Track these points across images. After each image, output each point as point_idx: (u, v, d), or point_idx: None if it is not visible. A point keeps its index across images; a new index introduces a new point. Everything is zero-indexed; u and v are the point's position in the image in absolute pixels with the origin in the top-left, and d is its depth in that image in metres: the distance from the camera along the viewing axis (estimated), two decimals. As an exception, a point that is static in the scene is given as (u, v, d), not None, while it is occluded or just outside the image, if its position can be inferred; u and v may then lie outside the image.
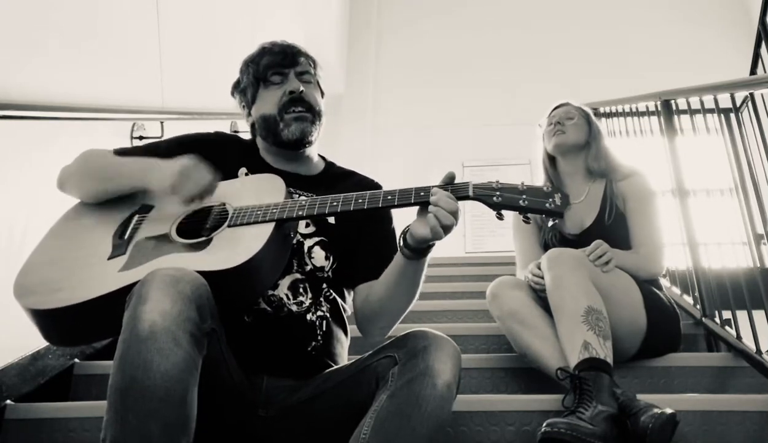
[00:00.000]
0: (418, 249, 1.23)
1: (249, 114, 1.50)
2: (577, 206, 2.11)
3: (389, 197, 1.21)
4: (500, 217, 1.18)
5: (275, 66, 1.45)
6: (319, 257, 1.38)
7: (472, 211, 5.98)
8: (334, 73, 5.82)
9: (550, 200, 1.15)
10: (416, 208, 1.21)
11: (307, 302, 1.35)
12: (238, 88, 1.53)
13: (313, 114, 1.44)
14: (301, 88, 1.43)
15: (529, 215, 1.18)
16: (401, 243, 1.25)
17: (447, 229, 1.16)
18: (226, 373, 1.21)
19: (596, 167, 2.13)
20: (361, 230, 1.43)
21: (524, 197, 1.16)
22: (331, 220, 1.43)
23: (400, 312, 1.37)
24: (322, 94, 1.52)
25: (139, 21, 2.51)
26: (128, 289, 1.09)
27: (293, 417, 1.26)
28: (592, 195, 2.11)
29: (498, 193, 1.17)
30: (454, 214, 1.15)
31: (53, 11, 1.90)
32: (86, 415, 1.54)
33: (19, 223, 1.72)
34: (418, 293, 1.34)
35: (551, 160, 2.23)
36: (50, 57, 1.89)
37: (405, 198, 1.20)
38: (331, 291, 1.40)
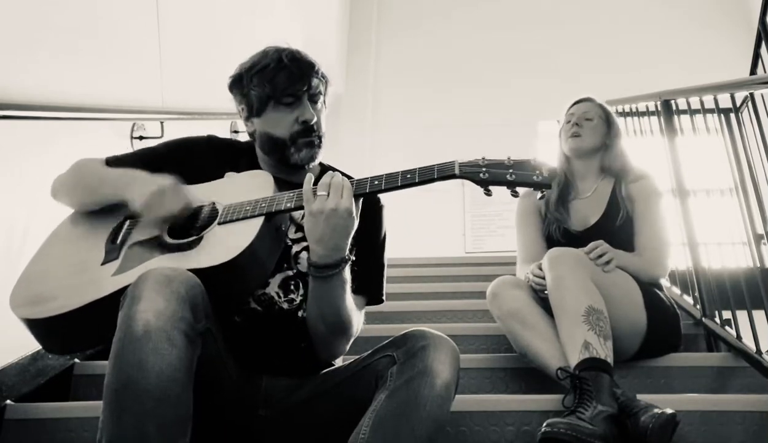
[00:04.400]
0: (313, 264, 1.19)
1: (248, 119, 1.43)
2: (582, 202, 2.11)
3: (376, 182, 1.19)
4: (488, 193, 1.16)
5: (290, 87, 1.35)
6: (305, 263, 1.34)
7: (472, 211, 5.99)
8: (334, 73, 5.80)
9: (537, 172, 1.14)
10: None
11: (298, 300, 1.34)
12: (239, 87, 1.41)
13: (320, 140, 1.40)
14: (314, 117, 1.37)
15: (518, 190, 1.16)
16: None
17: (322, 216, 1.14)
18: (224, 373, 1.21)
19: (611, 167, 2.11)
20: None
21: (511, 171, 1.14)
22: None
23: (331, 335, 1.29)
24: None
25: (138, 21, 2.51)
26: (122, 292, 1.09)
27: (293, 416, 1.26)
28: (600, 193, 2.11)
29: (484, 169, 1.15)
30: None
31: (53, 11, 1.90)
32: (86, 415, 1.54)
33: (19, 223, 1.72)
34: (351, 325, 1.28)
35: (566, 157, 2.20)
36: (50, 57, 1.89)
37: (391, 183, 1.18)
38: None
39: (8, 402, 1.60)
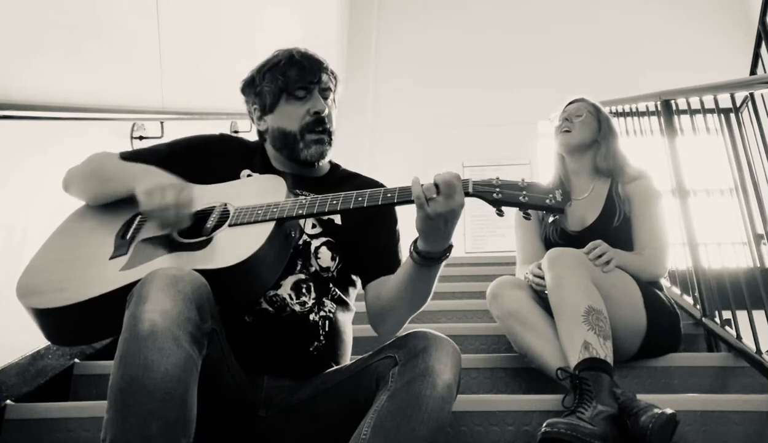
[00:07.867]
0: (429, 256, 1.23)
1: (261, 119, 1.47)
2: (579, 202, 2.10)
3: (389, 195, 1.21)
4: (500, 213, 1.17)
5: (302, 80, 1.41)
6: (325, 257, 1.38)
7: (472, 211, 5.98)
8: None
9: (551, 196, 1.15)
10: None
11: (310, 303, 1.35)
12: (252, 87, 1.47)
13: (329, 136, 1.44)
14: (326, 109, 1.41)
15: (529, 211, 1.18)
16: (413, 251, 1.24)
17: (441, 217, 1.15)
18: (227, 373, 1.21)
19: (604, 166, 2.12)
20: (366, 231, 1.43)
21: (524, 193, 1.16)
22: (338, 221, 1.43)
23: (411, 312, 1.37)
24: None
25: (139, 21, 2.51)
26: (129, 288, 1.09)
27: (293, 416, 1.26)
28: (596, 193, 2.11)
29: (498, 189, 1.17)
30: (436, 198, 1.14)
31: (53, 11, 1.90)
32: (86, 415, 1.54)
33: (19, 223, 1.72)
34: (432, 294, 1.34)
35: (561, 156, 2.22)
36: (50, 57, 1.89)
37: (404, 195, 1.20)
38: (336, 291, 1.40)
39: (8, 402, 1.61)
